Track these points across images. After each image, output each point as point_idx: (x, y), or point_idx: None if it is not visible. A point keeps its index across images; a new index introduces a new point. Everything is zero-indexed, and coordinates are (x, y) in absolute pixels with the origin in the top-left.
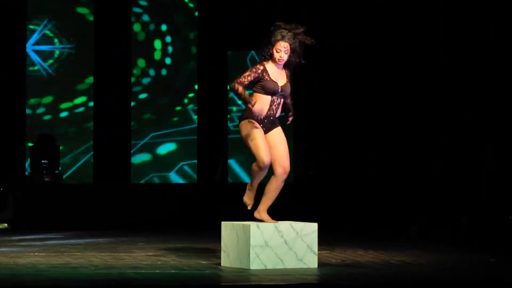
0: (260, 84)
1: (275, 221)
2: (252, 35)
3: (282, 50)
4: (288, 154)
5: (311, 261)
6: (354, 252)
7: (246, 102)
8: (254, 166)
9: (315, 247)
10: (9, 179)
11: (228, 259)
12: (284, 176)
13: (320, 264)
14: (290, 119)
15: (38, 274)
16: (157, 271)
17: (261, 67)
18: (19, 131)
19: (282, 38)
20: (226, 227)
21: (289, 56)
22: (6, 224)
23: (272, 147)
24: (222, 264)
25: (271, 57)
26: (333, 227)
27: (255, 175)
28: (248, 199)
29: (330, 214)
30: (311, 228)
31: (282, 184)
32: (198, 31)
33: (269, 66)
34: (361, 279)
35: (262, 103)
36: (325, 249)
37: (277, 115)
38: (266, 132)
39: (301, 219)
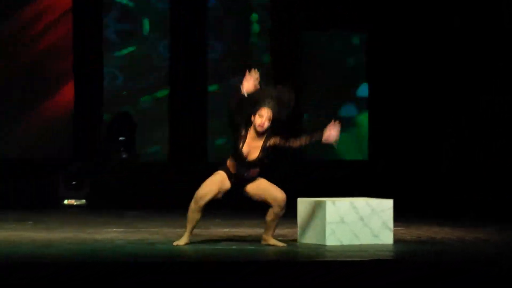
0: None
1: (283, 244)
2: (327, 13)
3: (265, 116)
4: (275, 188)
5: (386, 238)
6: (429, 228)
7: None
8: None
9: (391, 223)
10: (86, 156)
11: (304, 235)
12: (281, 209)
13: (396, 240)
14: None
15: (116, 250)
16: (233, 247)
17: (243, 131)
18: (96, 107)
19: (265, 104)
20: (302, 203)
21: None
22: (84, 200)
23: (259, 193)
24: (298, 241)
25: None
26: (409, 204)
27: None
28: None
29: (405, 190)
30: (387, 205)
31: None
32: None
33: (250, 130)
34: (436, 256)
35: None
36: (401, 225)
37: (250, 175)
38: (237, 184)
39: (376, 195)
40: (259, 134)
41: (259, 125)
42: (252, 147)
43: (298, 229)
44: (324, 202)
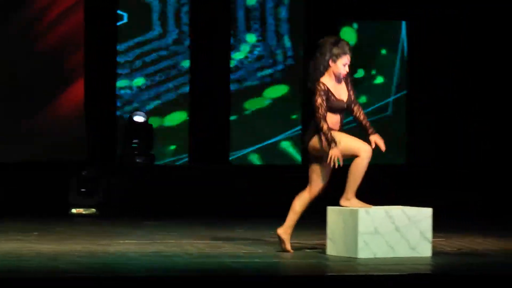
0: (327, 106)
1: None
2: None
3: (347, 64)
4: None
5: (424, 250)
6: (472, 240)
7: (329, 142)
8: (358, 162)
9: (429, 234)
10: (99, 161)
11: (334, 247)
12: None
13: (435, 252)
14: (377, 141)
15: (129, 263)
16: (257, 260)
17: (323, 86)
18: (109, 108)
19: (348, 51)
20: (332, 212)
21: None
22: (94, 210)
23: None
24: (327, 253)
25: (327, 69)
26: (450, 212)
27: (362, 172)
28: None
29: (446, 198)
30: (425, 214)
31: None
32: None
33: (327, 81)
34: (478, 269)
35: (331, 123)
36: (440, 236)
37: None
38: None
39: (414, 203)
40: (338, 81)
41: (344, 75)
42: (340, 92)
43: (328, 241)
44: (356, 210)
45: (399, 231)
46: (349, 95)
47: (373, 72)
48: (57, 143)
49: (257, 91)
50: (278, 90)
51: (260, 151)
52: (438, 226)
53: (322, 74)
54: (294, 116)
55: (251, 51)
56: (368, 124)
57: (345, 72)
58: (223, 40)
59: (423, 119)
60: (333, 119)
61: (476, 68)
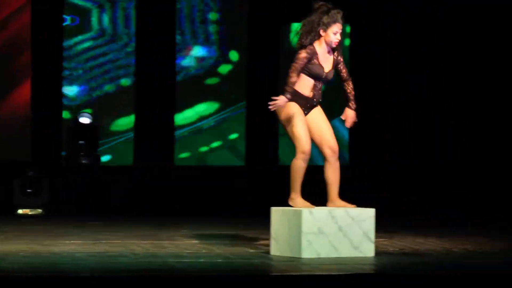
0: (307, 66)
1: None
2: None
3: (339, 32)
4: (333, 132)
5: (367, 250)
6: (413, 240)
7: (285, 91)
8: (293, 161)
9: (372, 234)
10: (44, 161)
11: (278, 247)
12: (335, 156)
13: (377, 252)
14: (347, 117)
15: (75, 264)
16: (201, 260)
17: (313, 48)
18: (55, 109)
19: (339, 20)
20: (276, 213)
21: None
22: (40, 210)
23: (314, 128)
24: (271, 253)
25: (319, 38)
26: (393, 213)
27: (297, 171)
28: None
29: (389, 198)
30: (368, 214)
31: (338, 165)
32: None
33: (318, 48)
34: (420, 269)
35: (304, 85)
36: (383, 236)
37: (319, 99)
38: (305, 114)
39: (357, 204)
40: (329, 50)
41: (335, 43)
42: (325, 62)
43: (272, 241)
44: (300, 211)
45: (342, 231)
46: (331, 69)
47: None
48: (3, 144)
49: (202, 95)
50: (223, 94)
51: (204, 151)
52: (382, 226)
53: (314, 40)
54: (238, 121)
55: (196, 55)
56: (350, 97)
57: (337, 40)
58: (168, 43)
59: (399, 117)
60: (306, 82)
61: (450, 65)
